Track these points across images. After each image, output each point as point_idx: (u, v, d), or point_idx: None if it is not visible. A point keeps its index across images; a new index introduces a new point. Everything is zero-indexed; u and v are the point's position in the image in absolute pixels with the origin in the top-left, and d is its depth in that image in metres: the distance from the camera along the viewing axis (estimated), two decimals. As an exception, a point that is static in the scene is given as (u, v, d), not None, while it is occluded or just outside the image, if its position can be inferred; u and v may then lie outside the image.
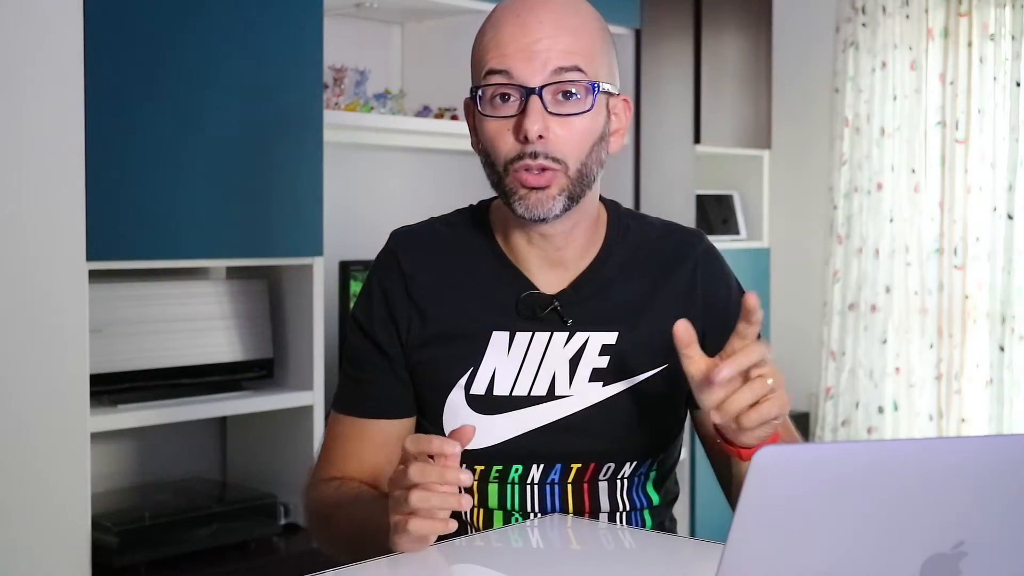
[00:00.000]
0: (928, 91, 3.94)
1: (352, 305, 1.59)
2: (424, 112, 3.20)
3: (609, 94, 1.46)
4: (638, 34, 3.60)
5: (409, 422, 1.54)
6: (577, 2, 1.46)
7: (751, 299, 1.30)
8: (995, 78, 3.81)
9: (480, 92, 1.43)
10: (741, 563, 0.84)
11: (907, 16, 3.96)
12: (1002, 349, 3.80)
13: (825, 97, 4.20)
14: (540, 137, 1.39)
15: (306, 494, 1.56)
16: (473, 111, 1.47)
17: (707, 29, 3.92)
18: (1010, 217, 3.76)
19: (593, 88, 1.42)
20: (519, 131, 1.40)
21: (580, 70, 1.41)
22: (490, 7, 3.17)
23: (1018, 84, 3.75)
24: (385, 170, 3.37)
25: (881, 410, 4.05)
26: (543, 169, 1.40)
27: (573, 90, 1.41)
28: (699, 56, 3.89)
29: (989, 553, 0.89)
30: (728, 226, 4.23)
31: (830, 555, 0.86)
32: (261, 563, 2.58)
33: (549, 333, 1.48)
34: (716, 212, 4.20)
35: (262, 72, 2.60)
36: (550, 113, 1.40)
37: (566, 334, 1.49)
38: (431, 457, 1.23)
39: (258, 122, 2.61)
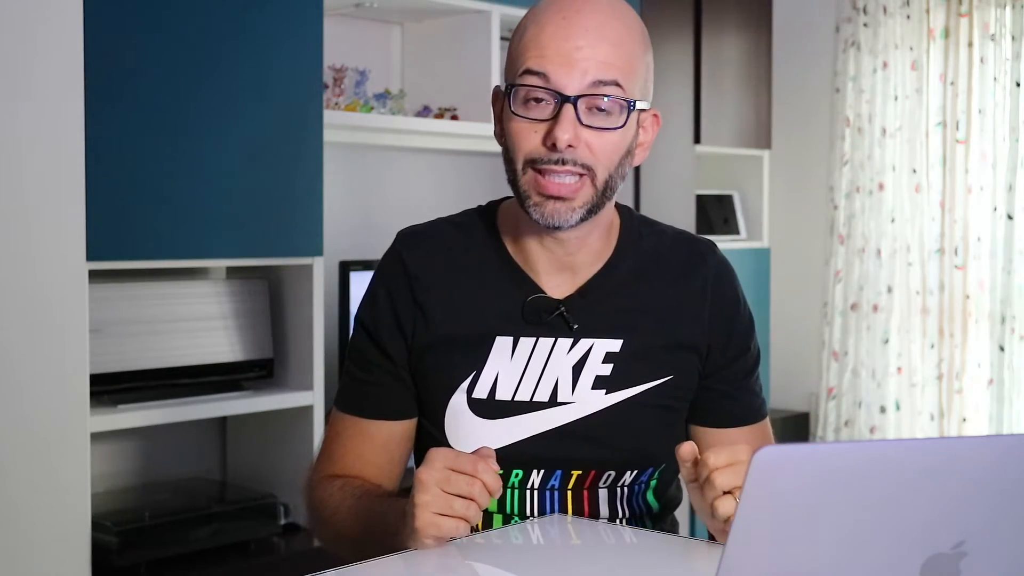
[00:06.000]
0: (929, 91, 3.95)
1: (357, 306, 1.59)
2: (424, 112, 3.20)
3: (641, 111, 1.44)
4: (638, 34, 3.60)
5: (411, 423, 1.54)
6: (624, 11, 1.44)
7: (685, 452, 1.30)
8: (995, 78, 3.81)
9: (513, 90, 1.40)
10: (741, 563, 0.84)
11: (908, 16, 3.96)
12: (1002, 349, 3.80)
13: (825, 97, 4.20)
14: (570, 146, 1.37)
15: (307, 492, 1.55)
16: (502, 102, 1.44)
17: (707, 29, 3.92)
18: (1010, 217, 3.77)
19: (629, 106, 1.40)
20: (548, 137, 1.37)
21: (618, 85, 1.38)
22: (491, 7, 3.18)
23: (1018, 84, 3.75)
24: (385, 170, 3.37)
25: (883, 410, 4.05)
26: (573, 175, 1.38)
27: (607, 106, 1.38)
28: (699, 56, 3.89)
29: (989, 553, 0.89)
30: (728, 226, 4.23)
31: (830, 555, 0.86)
32: (261, 563, 2.58)
33: (553, 339, 1.47)
34: (716, 212, 4.20)
35: (262, 72, 2.60)
36: (582, 124, 1.37)
37: (570, 340, 1.47)
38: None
39: (258, 122, 2.61)
